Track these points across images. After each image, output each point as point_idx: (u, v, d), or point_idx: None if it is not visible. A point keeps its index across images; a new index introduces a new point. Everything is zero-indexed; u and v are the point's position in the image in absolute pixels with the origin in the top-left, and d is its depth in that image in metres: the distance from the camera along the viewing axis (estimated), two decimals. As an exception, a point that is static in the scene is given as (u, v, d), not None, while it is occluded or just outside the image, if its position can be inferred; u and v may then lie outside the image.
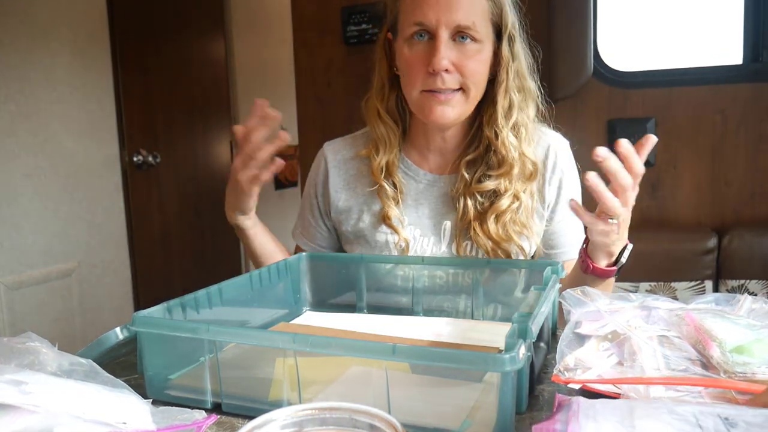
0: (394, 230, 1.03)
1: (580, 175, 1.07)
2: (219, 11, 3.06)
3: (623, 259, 0.87)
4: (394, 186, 1.05)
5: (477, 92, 0.97)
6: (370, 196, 1.07)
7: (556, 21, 1.86)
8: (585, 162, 1.11)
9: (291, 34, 2.30)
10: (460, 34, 0.93)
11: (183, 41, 2.79)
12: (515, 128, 0.99)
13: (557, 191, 1.04)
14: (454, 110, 0.96)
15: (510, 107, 0.98)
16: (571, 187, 1.05)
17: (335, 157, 1.11)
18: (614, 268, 0.87)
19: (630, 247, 0.87)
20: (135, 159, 2.45)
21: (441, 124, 0.98)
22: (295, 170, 3.75)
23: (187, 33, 2.82)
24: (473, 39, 0.93)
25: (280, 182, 3.58)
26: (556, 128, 1.08)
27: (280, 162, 0.92)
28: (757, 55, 1.90)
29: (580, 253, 0.90)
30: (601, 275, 0.87)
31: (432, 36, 0.93)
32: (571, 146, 1.08)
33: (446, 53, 0.91)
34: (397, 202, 1.04)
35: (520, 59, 0.99)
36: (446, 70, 0.92)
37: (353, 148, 1.11)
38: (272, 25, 3.37)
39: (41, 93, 2.01)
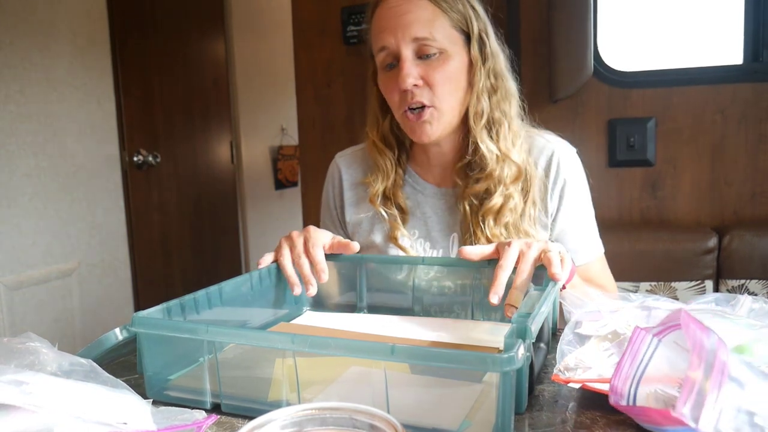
0: (403, 250, 1.05)
1: (589, 183, 1.07)
2: (219, 11, 3.06)
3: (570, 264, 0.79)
4: (400, 207, 1.06)
5: (450, 104, 0.97)
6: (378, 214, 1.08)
7: (556, 21, 1.86)
8: (585, 163, 1.11)
9: (291, 34, 2.30)
10: (424, 50, 0.94)
11: (183, 41, 2.79)
12: (489, 129, 0.99)
13: (559, 199, 1.03)
14: (432, 126, 0.97)
15: (482, 109, 0.98)
16: (575, 194, 1.04)
17: (347, 170, 1.14)
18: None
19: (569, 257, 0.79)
20: (135, 159, 2.45)
21: (427, 141, 1.00)
22: (294, 170, 3.75)
23: (187, 33, 2.82)
24: (438, 51, 0.95)
25: (280, 182, 3.58)
26: (552, 129, 1.08)
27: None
28: (757, 54, 1.90)
29: None
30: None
31: (399, 58, 0.95)
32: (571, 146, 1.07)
33: (411, 70, 0.94)
34: (405, 222, 1.06)
35: (496, 59, 1.00)
36: (415, 85, 0.94)
37: (363, 162, 1.13)
38: (272, 25, 3.37)
39: (41, 93, 2.01)
